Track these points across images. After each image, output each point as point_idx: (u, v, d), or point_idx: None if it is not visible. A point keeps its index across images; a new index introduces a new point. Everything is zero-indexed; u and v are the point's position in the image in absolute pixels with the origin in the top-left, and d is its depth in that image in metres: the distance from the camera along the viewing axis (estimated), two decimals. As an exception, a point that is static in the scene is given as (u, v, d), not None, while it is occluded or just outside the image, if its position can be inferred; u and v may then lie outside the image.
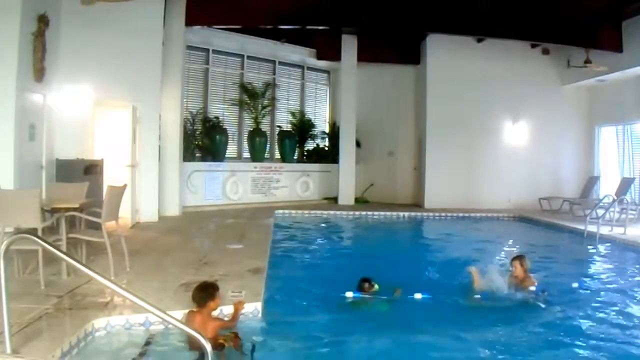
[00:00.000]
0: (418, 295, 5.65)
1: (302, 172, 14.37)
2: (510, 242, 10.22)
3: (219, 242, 8.11)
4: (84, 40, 8.96)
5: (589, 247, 9.31)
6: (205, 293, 4.14)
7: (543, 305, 5.55)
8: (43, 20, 7.86)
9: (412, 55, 14.84)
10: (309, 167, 14.62)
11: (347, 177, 14.32)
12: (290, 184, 14.09)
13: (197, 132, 12.81)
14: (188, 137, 12.15)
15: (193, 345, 3.80)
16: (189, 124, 12.43)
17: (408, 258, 8.20)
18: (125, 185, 6.28)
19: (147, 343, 4.07)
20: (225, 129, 13.36)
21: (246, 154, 14.09)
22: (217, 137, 12.96)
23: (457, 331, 4.71)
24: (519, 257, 6.12)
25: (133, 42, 9.52)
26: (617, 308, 5.59)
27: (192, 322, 3.94)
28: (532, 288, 5.84)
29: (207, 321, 4.02)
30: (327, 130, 15.78)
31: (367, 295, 5.58)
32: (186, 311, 4.19)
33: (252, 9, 10.99)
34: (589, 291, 6.33)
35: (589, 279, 7.06)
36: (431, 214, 13.08)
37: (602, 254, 8.99)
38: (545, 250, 9.31)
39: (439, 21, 11.65)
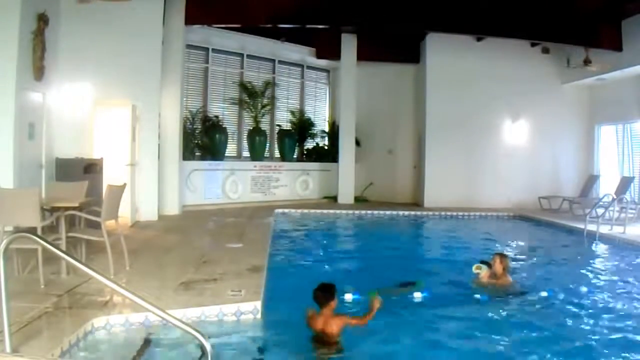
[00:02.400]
0: (417, 295, 5.66)
1: (301, 171, 14.37)
2: (510, 240, 10.22)
3: (219, 241, 8.11)
4: (84, 39, 8.98)
5: (589, 246, 9.31)
6: (329, 293, 4.30)
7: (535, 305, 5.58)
8: (42, 19, 7.87)
9: (411, 54, 14.83)
10: (308, 166, 14.61)
11: (346, 175, 14.32)
12: (290, 182, 14.09)
13: (197, 131, 12.81)
14: (188, 136, 12.15)
15: (319, 342, 4.12)
16: (188, 123, 12.43)
17: (407, 257, 8.20)
18: (124, 184, 6.29)
19: (147, 342, 4.07)
20: (225, 127, 13.36)
21: (246, 153, 14.09)
22: (217, 136, 12.96)
23: (456, 329, 4.72)
24: (500, 254, 6.23)
25: (133, 41, 9.51)
26: (616, 307, 5.60)
27: (316, 321, 4.23)
28: (544, 293, 5.90)
29: (329, 319, 4.19)
30: (326, 129, 15.78)
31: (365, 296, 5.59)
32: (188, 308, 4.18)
33: (251, 8, 10.98)
34: (587, 290, 6.33)
35: (588, 277, 7.06)
36: (430, 212, 13.08)
37: (601, 252, 9.00)
38: (545, 249, 9.33)
39: (439, 20, 11.65)
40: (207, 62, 13.52)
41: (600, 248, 9.18)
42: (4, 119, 7.06)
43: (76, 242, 5.81)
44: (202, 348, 2.87)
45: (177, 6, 10.69)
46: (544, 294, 5.92)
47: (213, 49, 13.54)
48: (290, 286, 6.00)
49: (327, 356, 4.14)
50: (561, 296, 5.88)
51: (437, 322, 4.95)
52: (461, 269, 6.80)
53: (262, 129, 14.00)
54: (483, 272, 6.10)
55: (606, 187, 13.38)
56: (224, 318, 4.61)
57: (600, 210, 10.06)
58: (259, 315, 4.73)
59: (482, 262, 6.24)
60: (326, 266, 7.54)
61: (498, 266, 6.08)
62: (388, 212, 12.90)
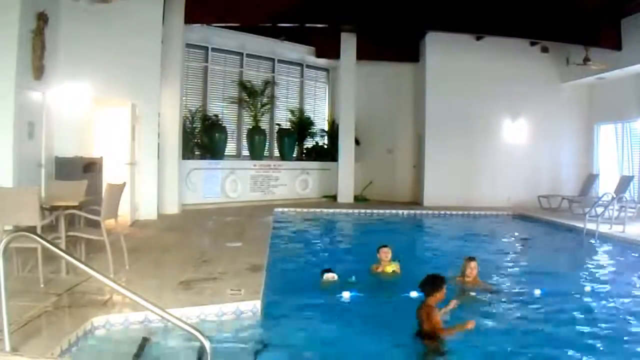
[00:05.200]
0: (414, 294, 5.68)
1: (301, 170, 14.37)
2: (508, 239, 10.24)
3: (218, 240, 8.11)
4: (83, 38, 8.96)
5: (588, 245, 9.32)
6: (434, 285, 4.47)
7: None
8: (42, 18, 7.84)
9: (411, 53, 14.84)
10: (308, 165, 14.60)
11: (346, 175, 14.32)
12: (290, 182, 14.09)
13: (196, 130, 12.82)
14: (187, 135, 12.16)
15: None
16: (188, 122, 12.43)
17: (406, 256, 8.19)
18: (124, 183, 6.28)
19: (146, 341, 4.07)
20: (225, 127, 13.36)
21: (245, 152, 14.08)
22: (216, 135, 12.96)
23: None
24: (470, 258, 6.18)
25: (132, 40, 9.51)
26: (613, 305, 5.61)
27: (419, 310, 4.42)
28: (538, 292, 5.92)
29: (430, 311, 4.31)
30: (326, 128, 15.78)
31: (363, 295, 5.62)
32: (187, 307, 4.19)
33: (251, 6, 10.98)
34: (586, 289, 6.34)
35: (586, 276, 7.07)
36: (430, 211, 13.09)
37: (600, 251, 9.00)
38: (544, 248, 9.35)
39: (438, 19, 11.65)
40: (206, 61, 13.51)
41: (600, 247, 9.19)
42: (4, 118, 7.03)
43: (76, 241, 5.81)
44: (201, 347, 2.88)
45: (177, 5, 10.68)
46: (537, 292, 5.94)
47: (212, 48, 13.54)
48: (290, 285, 6.02)
49: (432, 348, 4.24)
50: (556, 295, 5.90)
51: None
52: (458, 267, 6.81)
53: (262, 128, 14.00)
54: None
55: (605, 186, 13.39)
56: (223, 317, 4.61)
57: (599, 209, 10.06)
58: (258, 314, 4.73)
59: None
60: (325, 265, 7.52)
61: (470, 270, 6.03)
62: (387, 211, 12.90)
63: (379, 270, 6.58)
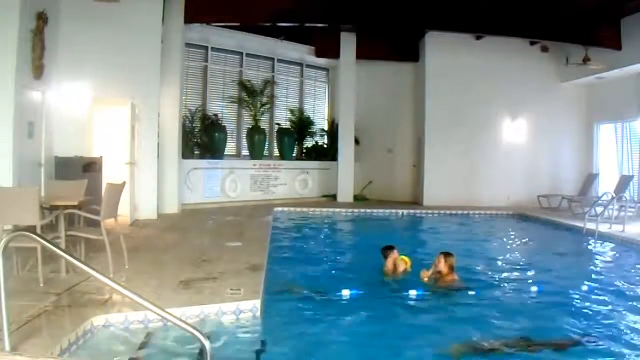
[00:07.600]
0: (413, 292, 5.70)
1: (301, 169, 14.37)
2: (509, 239, 10.24)
3: (218, 240, 8.11)
4: (83, 38, 8.97)
5: (588, 244, 9.32)
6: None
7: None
8: (42, 18, 7.85)
9: (411, 52, 14.83)
10: (307, 165, 14.61)
11: (346, 174, 14.32)
12: (289, 181, 14.09)
13: (196, 130, 12.81)
14: (187, 135, 12.16)
15: None
16: (187, 122, 12.44)
17: (405, 255, 8.21)
18: (124, 183, 6.28)
19: (146, 340, 4.07)
20: (224, 126, 13.36)
21: (245, 152, 14.08)
22: (216, 134, 12.96)
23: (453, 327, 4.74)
24: (445, 253, 6.23)
25: (132, 39, 9.51)
26: (612, 305, 5.61)
27: None
28: (534, 288, 5.92)
29: None
30: (326, 128, 15.78)
31: (363, 292, 5.64)
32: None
33: (251, 6, 10.99)
34: (584, 287, 6.35)
35: (587, 276, 7.07)
36: (430, 211, 13.09)
37: (600, 251, 9.00)
38: (544, 248, 9.35)
39: (438, 19, 11.66)
40: (206, 60, 13.51)
41: (599, 246, 9.19)
42: (3, 118, 7.03)
43: (75, 240, 5.81)
44: (201, 346, 2.88)
45: (177, 4, 10.69)
46: (534, 289, 5.95)
47: (212, 47, 13.53)
48: (289, 285, 6.01)
49: None
50: (553, 293, 5.92)
51: (435, 319, 4.96)
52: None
53: (262, 127, 14.00)
54: (422, 273, 6.21)
55: (605, 185, 13.39)
56: (223, 316, 4.61)
57: (599, 209, 10.07)
58: (258, 314, 4.73)
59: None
60: (325, 264, 7.54)
61: (443, 265, 6.09)
62: (387, 211, 12.90)
63: (395, 272, 6.48)
